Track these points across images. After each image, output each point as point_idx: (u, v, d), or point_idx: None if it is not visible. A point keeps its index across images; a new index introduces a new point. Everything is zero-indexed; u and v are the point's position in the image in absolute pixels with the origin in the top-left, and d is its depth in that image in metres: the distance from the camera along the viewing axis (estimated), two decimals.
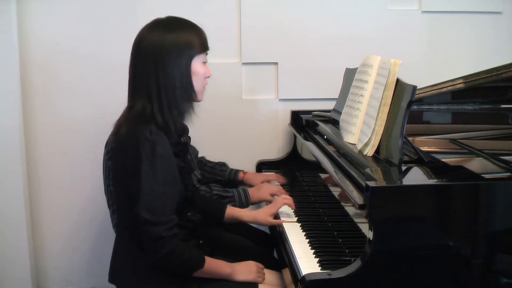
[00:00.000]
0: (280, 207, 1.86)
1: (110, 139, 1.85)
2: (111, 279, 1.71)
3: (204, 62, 1.61)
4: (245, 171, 2.23)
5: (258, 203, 2.09)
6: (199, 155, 2.20)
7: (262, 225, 1.86)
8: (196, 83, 1.57)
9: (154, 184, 1.46)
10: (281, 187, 2.12)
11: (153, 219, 1.45)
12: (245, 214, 1.83)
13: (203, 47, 1.59)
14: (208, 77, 1.63)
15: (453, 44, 2.60)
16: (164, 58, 1.51)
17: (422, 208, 1.37)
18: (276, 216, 1.86)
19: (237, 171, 2.22)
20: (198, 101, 1.62)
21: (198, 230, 1.71)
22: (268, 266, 1.73)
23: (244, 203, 1.99)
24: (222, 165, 2.23)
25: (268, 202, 2.02)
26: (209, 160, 2.23)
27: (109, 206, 1.95)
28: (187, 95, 1.56)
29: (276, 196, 2.00)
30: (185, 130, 1.71)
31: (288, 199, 1.88)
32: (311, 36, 2.50)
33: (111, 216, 1.97)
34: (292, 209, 1.89)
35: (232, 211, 1.83)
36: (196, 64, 1.57)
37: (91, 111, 2.43)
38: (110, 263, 1.73)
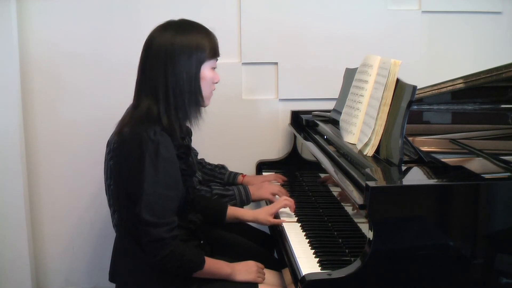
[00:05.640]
0: (281, 208, 1.86)
1: (112, 138, 1.85)
2: (111, 278, 1.71)
3: (213, 68, 1.60)
4: (244, 174, 2.23)
5: (258, 201, 2.09)
6: (199, 156, 2.20)
7: (262, 224, 1.86)
8: (204, 88, 1.56)
9: (156, 186, 1.46)
10: (282, 187, 2.12)
11: (154, 220, 1.44)
12: (246, 213, 1.84)
13: (214, 53, 1.58)
14: (216, 82, 1.62)
15: (453, 44, 2.60)
16: (173, 60, 1.50)
17: (422, 208, 1.37)
18: (276, 216, 1.86)
19: (236, 174, 2.21)
20: (204, 107, 1.61)
21: (199, 231, 1.71)
22: (268, 266, 1.73)
23: (245, 200, 1.98)
24: (221, 167, 2.23)
25: (269, 201, 2.02)
26: (209, 162, 2.23)
27: (110, 205, 1.95)
28: (194, 99, 1.55)
29: (277, 196, 2.00)
30: (189, 133, 1.70)
31: (289, 200, 1.87)
32: (311, 36, 2.50)
33: (111, 215, 1.97)
34: (291, 211, 1.89)
35: (233, 211, 1.83)
36: (205, 69, 1.56)
37: (91, 111, 2.43)
38: (111, 262, 1.73)
